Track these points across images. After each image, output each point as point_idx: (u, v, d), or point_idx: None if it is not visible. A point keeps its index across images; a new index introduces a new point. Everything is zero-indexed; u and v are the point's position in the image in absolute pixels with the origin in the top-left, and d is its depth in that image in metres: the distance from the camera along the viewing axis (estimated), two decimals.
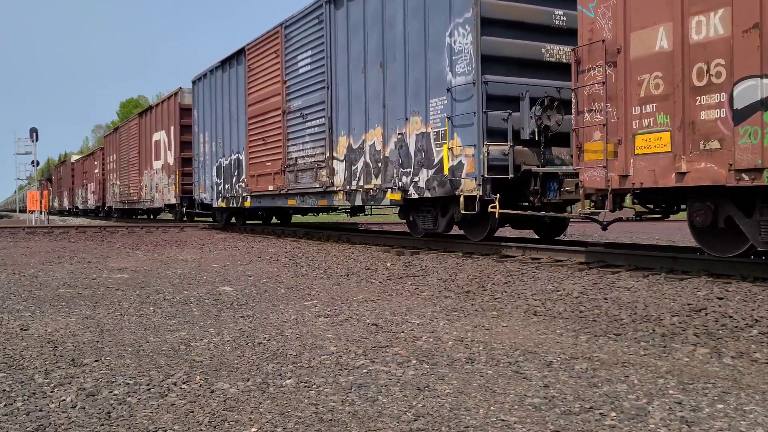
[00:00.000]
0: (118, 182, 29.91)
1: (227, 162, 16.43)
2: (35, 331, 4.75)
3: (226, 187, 16.49)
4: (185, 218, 21.84)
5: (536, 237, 10.81)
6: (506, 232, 12.71)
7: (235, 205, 16.20)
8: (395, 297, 6.45)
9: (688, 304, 5.13)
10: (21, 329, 4.82)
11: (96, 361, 3.87)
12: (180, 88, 21.37)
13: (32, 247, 13.18)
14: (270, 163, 13.91)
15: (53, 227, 19.23)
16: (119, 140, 29.86)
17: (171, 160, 21.75)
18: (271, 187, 13.77)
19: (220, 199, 17.05)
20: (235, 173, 15.91)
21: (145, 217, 31.39)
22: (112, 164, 31.72)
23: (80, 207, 41.92)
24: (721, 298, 5.20)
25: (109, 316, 5.38)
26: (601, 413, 2.91)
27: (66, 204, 48.12)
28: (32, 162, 31.07)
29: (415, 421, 2.82)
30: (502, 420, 2.83)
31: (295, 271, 8.76)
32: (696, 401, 3.09)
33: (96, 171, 36.18)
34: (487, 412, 2.94)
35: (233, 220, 18.74)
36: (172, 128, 21.63)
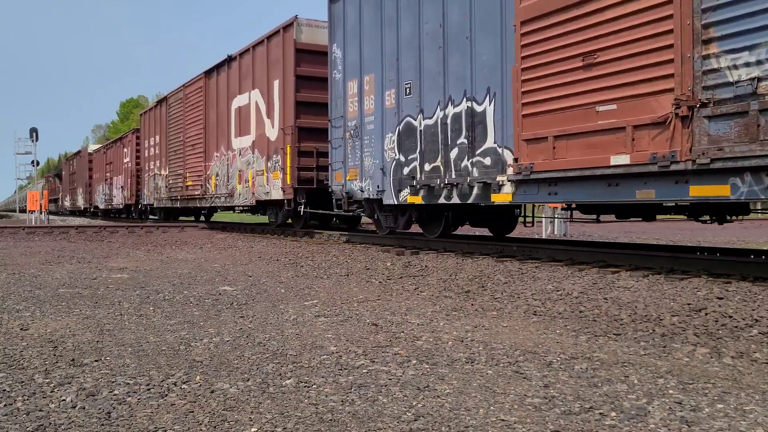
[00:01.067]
0: (164, 172, 21.80)
1: (431, 122, 9.18)
2: (35, 331, 4.75)
3: (427, 167, 9.27)
4: (289, 220, 14.79)
5: None
6: None
7: (453, 200, 8.88)
8: (395, 297, 6.45)
9: (688, 304, 5.13)
10: (21, 329, 4.82)
11: (96, 361, 3.87)
12: (296, 17, 13.27)
13: (32, 247, 13.18)
14: (615, 107, 6.46)
15: (53, 227, 19.24)
16: (167, 116, 21.60)
17: (273, 133, 14.13)
18: (624, 160, 6.36)
19: (405, 190, 9.73)
20: (460, 141, 8.68)
21: (188, 219, 24.25)
22: (152, 150, 23.75)
23: (101, 206, 33.90)
24: (721, 298, 5.20)
25: (109, 316, 5.38)
26: (601, 413, 2.92)
27: (81, 203, 39.41)
28: (32, 162, 31.04)
29: (415, 421, 2.82)
30: (502, 420, 2.83)
31: (295, 271, 8.76)
32: (696, 401, 3.09)
33: (126, 160, 28.31)
34: (487, 412, 2.94)
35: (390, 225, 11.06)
36: (278, 83, 13.77)
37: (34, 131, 27.42)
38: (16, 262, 10.07)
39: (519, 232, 16.26)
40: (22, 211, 43.15)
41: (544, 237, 14.54)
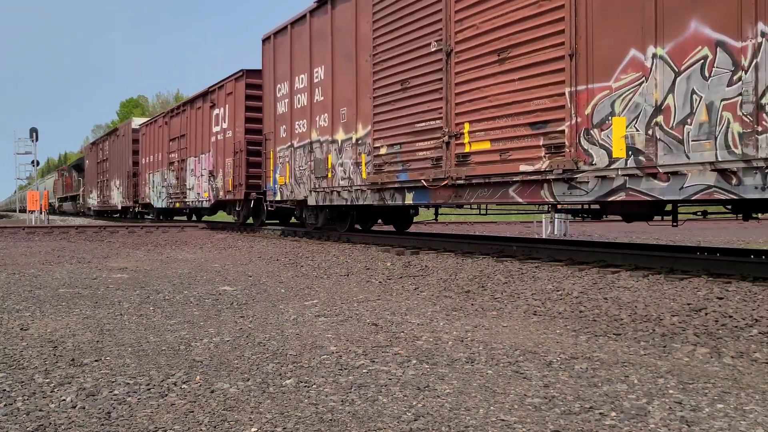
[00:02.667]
0: (357, 134, 10.70)
1: None
2: (35, 331, 4.75)
3: None
4: None
5: None
6: None
7: None
8: (395, 297, 6.45)
9: (688, 304, 5.13)
10: (21, 329, 4.82)
11: (96, 361, 3.87)
12: None
13: (32, 247, 13.18)
14: None
15: (53, 227, 19.23)
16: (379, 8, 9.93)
17: None
18: None
19: None
20: None
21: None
22: (299, 97, 12.65)
23: (160, 204, 22.47)
24: (721, 298, 5.20)
25: (109, 316, 5.38)
26: (601, 413, 2.92)
27: (118, 199, 28.08)
28: (32, 162, 31.04)
29: (415, 421, 2.82)
30: (502, 420, 2.83)
31: (295, 271, 8.76)
32: (696, 401, 3.09)
33: (221, 128, 16.76)
34: (487, 412, 2.94)
35: None
36: None
37: (34, 131, 27.39)
38: (16, 262, 10.06)
39: (521, 231, 16.29)
40: (22, 211, 42.81)
41: (544, 237, 14.55)
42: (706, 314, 4.87)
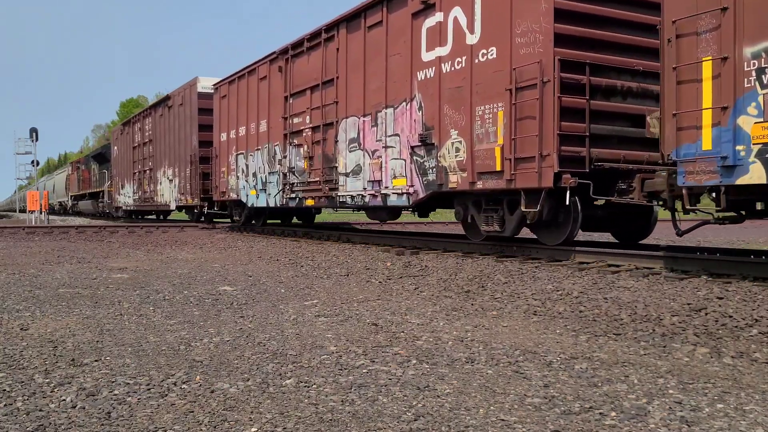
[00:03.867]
0: None
1: None
2: (35, 331, 4.75)
3: None
4: None
5: None
6: None
7: None
8: (395, 297, 6.45)
9: (688, 304, 5.13)
10: (21, 329, 4.82)
11: (96, 361, 3.87)
12: None
13: (32, 247, 13.18)
14: None
15: (53, 227, 19.23)
16: None
17: None
18: None
19: None
20: None
21: None
22: None
23: (262, 200, 14.44)
24: (721, 298, 5.20)
25: (109, 316, 5.38)
26: (601, 413, 2.92)
27: (169, 196, 20.43)
28: (32, 162, 31.03)
29: (415, 420, 2.82)
30: (502, 420, 2.83)
31: (295, 271, 8.76)
32: (696, 401, 3.09)
33: (448, 50, 8.64)
34: (487, 411, 2.94)
35: None
36: None
37: (34, 131, 27.37)
38: (16, 262, 10.06)
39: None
40: (23, 211, 42.56)
41: None
42: (706, 314, 4.86)
